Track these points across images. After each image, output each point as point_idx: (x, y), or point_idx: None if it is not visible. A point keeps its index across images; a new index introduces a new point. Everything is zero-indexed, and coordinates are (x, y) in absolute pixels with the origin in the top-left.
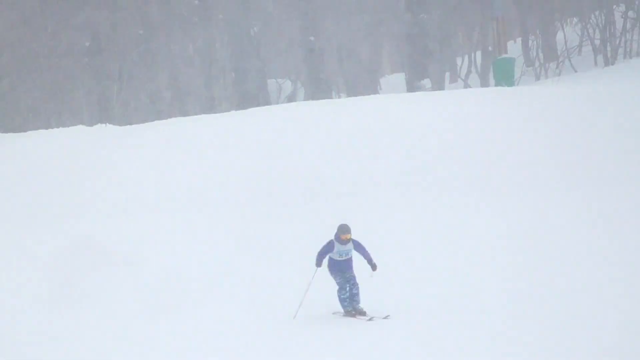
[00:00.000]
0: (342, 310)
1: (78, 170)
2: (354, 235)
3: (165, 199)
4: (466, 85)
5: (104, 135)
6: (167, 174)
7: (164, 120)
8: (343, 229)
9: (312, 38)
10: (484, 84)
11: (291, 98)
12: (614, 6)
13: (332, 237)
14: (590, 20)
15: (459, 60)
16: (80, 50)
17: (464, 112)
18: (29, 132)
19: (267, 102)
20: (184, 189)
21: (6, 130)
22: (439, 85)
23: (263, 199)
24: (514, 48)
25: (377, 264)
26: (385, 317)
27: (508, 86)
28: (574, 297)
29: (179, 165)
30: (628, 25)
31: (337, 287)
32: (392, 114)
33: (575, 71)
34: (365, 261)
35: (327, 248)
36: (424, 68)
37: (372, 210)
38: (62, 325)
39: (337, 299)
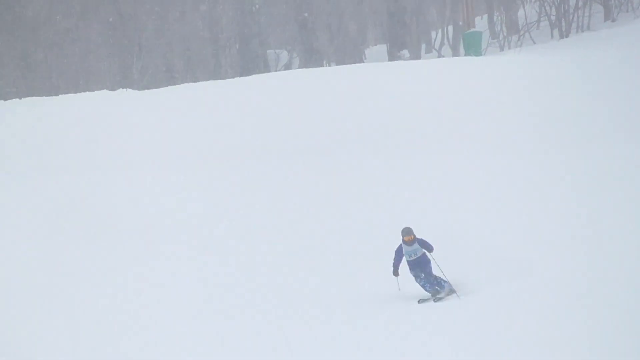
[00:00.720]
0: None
1: (101, 129)
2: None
3: (174, 157)
4: (440, 55)
5: (124, 99)
6: (179, 134)
7: (177, 86)
8: (404, 232)
9: (306, 14)
10: (455, 54)
11: (287, 66)
12: None
13: (401, 242)
14: None
15: (433, 34)
16: (105, 25)
17: (438, 78)
18: (60, 96)
19: (266, 70)
20: (193, 147)
21: (40, 94)
22: (416, 55)
23: (263, 154)
24: (481, 23)
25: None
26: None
27: (476, 56)
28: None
29: (189, 125)
30: (580, 3)
31: (415, 280)
32: (375, 80)
33: (534, 43)
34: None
35: (399, 253)
36: (403, 40)
37: (356, 166)
38: (59, 263)
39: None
